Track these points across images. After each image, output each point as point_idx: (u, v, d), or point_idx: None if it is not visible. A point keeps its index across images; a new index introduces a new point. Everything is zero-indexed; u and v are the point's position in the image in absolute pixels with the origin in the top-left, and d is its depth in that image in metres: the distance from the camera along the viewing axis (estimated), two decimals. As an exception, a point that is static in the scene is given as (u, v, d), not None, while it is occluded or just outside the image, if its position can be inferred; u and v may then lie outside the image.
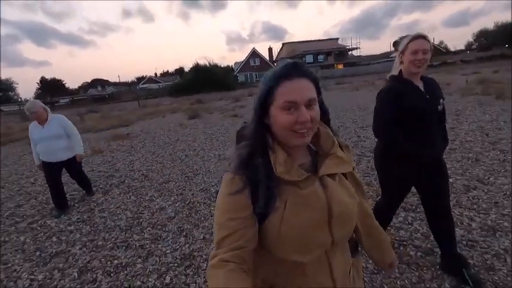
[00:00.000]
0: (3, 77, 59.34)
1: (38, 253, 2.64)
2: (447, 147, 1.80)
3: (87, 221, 3.21)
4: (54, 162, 3.38)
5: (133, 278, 2.14)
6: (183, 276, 2.12)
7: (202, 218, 2.98)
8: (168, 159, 5.40)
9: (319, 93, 0.72)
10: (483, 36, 53.17)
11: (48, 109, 3.43)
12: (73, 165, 3.56)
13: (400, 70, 1.66)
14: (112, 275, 2.22)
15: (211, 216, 3.02)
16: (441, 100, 1.65)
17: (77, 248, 2.66)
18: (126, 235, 2.80)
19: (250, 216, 0.69)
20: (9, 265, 2.49)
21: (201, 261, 2.28)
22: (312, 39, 54.35)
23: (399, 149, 1.64)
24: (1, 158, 7.22)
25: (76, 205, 3.69)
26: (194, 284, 2.02)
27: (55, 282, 2.20)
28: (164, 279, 2.11)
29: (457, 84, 12.13)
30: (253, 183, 0.69)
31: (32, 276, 2.30)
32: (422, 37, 1.55)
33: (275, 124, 0.71)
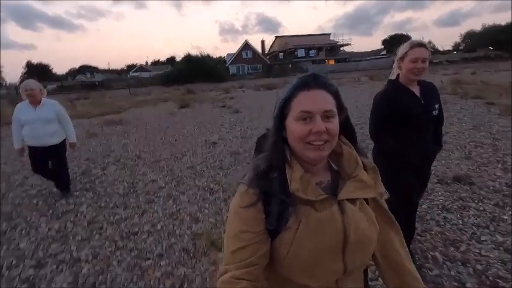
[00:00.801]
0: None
1: (50, 211, 3.21)
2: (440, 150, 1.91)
3: (89, 189, 3.79)
4: (40, 147, 3.22)
5: (132, 225, 2.77)
6: (171, 225, 2.75)
7: (188, 188, 3.61)
8: (159, 143, 5.96)
9: (341, 107, 0.70)
10: (470, 37, 54.67)
11: (45, 91, 3.34)
12: (58, 153, 3.38)
13: (398, 75, 1.70)
14: (114, 224, 2.83)
15: (196, 186, 3.64)
16: (437, 105, 1.68)
17: (84, 207, 3.25)
18: (124, 199, 3.40)
19: (263, 231, 0.66)
20: (29, 219, 3.06)
21: (185, 216, 2.91)
22: (306, 33, 54.96)
23: (389, 149, 1.70)
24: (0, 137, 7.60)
25: (78, 177, 4.24)
26: (179, 230, 2.66)
27: (69, 229, 2.79)
28: (156, 227, 2.74)
29: (445, 85, 12.97)
30: (267, 197, 0.67)
31: (50, 226, 2.88)
32: (422, 46, 1.58)
33: (290, 136, 0.69)
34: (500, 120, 5.88)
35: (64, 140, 3.42)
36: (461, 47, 56.48)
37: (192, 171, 4.19)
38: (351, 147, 0.74)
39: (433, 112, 1.66)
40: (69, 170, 3.79)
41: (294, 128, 0.67)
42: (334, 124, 0.67)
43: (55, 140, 3.30)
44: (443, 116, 1.84)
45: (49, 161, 3.41)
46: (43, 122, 3.18)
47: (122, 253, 2.36)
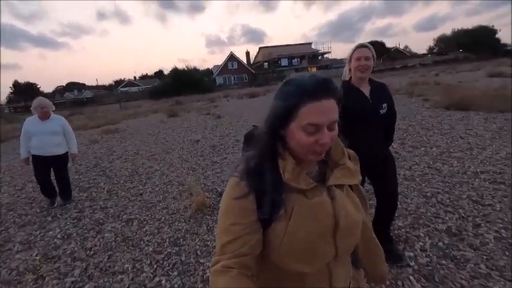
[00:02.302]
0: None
1: (77, 189, 4.45)
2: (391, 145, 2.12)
3: (102, 174, 5.05)
4: (45, 156, 3.54)
5: (138, 190, 4.07)
6: (165, 187, 4.05)
7: (176, 169, 4.92)
8: (153, 144, 7.25)
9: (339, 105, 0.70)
10: (442, 41, 58.19)
11: (53, 107, 3.74)
12: (60, 162, 3.72)
13: (351, 76, 1.88)
14: (126, 191, 4.12)
15: (182, 167, 4.96)
16: (384, 104, 1.80)
17: (102, 184, 4.52)
18: (130, 178, 4.68)
19: (255, 222, 0.68)
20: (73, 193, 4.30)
21: (175, 183, 4.21)
22: (289, 43, 57.37)
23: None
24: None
25: (91, 169, 5.49)
26: (171, 189, 3.97)
27: (94, 195, 4.06)
28: (155, 189, 4.04)
29: (393, 86, 14.68)
30: (258, 188, 0.69)
31: (79, 195, 4.13)
32: (364, 46, 1.78)
33: (292, 140, 0.69)
34: (425, 111, 7.43)
35: (66, 152, 3.75)
36: (434, 51, 60.00)
37: (179, 159, 5.51)
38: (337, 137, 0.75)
39: (380, 111, 1.76)
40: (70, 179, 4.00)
41: (299, 137, 0.67)
42: (336, 132, 0.69)
43: (59, 151, 3.63)
44: (395, 114, 1.98)
45: (51, 170, 3.73)
46: (50, 134, 3.54)
47: (134, 203, 3.66)
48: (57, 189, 3.85)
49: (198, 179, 4.23)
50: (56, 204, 3.78)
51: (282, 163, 0.70)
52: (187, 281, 2.13)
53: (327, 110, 0.65)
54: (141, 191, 4.03)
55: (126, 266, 2.38)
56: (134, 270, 2.32)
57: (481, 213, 2.56)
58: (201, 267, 2.26)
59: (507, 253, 2.03)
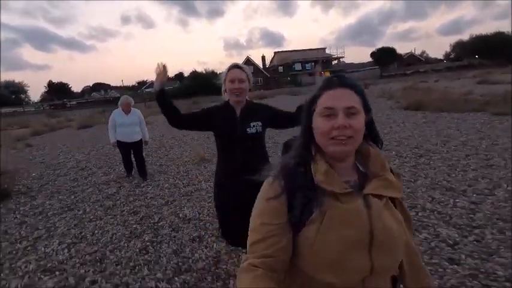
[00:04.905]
0: (16, 81, 63.40)
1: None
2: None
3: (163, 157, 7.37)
4: (128, 142, 4.51)
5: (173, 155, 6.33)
6: (184, 152, 6.29)
7: (189, 145, 7.15)
8: (174, 131, 9.59)
9: (367, 109, 0.71)
10: (459, 47, 57.90)
11: (133, 103, 4.61)
12: (138, 147, 4.67)
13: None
14: (160, 169, 6.38)
15: (192, 144, 7.18)
16: (254, 123, 1.67)
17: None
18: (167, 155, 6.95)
19: (284, 224, 0.68)
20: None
21: (189, 150, 6.43)
22: (307, 46, 59.30)
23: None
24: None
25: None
26: (186, 154, 6.19)
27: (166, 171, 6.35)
28: (184, 153, 6.28)
29: (389, 91, 16.22)
30: (291, 190, 0.69)
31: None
32: (237, 67, 1.67)
33: (316, 132, 0.71)
34: (394, 112, 9.20)
35: (141, 138, 4.69)
36: (451, 56, 59.74)
37: (191, 140, 7.74)
38: (377, 149, 0.76)
39: (248, 130, 1.65)
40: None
41: (318, 123, 0.70)
42: (358, 121, 0.68)
43: (137, 138, 4.60)
44: (262, 134, 1.75)
45: (131, 152, 4.70)
46: (132, 124, 4.47)
47: (171, 167, 5.90)
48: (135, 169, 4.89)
49: (202, 145, 6.42)
50: (131, 175, 4.90)
51: (314, 165, 0.70)
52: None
53: (340, 95, 0.69)
54: (173, 156, 6.28)
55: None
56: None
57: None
58: (197, 178, 4.44)
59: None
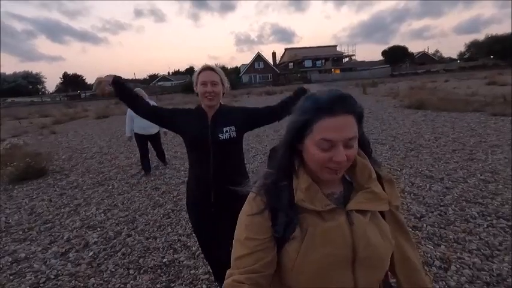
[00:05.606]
0: (33, 72, 65.61)
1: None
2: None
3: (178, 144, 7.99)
4: (145, 135, 4.58)
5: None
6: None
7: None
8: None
9: (360, 123, 0.68)
10: (474, 46, 56.80)
11: (146, 95, 4.37)
12: (156, 139, 4.81)
13: None
14: (175, 155, 6.97)
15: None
16: (227, 128, 1.55)
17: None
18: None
19: (269, 239, 0.67)
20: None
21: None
22: (319, 43, 59.22)
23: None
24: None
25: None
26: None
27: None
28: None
29: (397, 90, 16.41)
30: (274, 206, 0.68)
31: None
32: (210, 69, 1.55)
33: (307, 155, 0.68)
34: (396, 110, 9.57)
35: (158, 131, 4.79)
36: (466, 56, 58.65)
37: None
38: (365, 158, 0.73)
39: (220, 135, 1.53)
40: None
41: (313, 152, 0.65)
42: (354, 150, 0.65)
43: (154, 130, 4.65)
44: (237, 139, 1.61)
45: (147, 144, 4.77)
46: None
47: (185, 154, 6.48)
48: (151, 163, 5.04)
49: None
50: (149, 173, 4.80)
51: (296, 181, 0.68)
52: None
53: (342, 126, 0.62)
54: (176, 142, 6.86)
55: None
56: (181, 165, 5.11)
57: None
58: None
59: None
